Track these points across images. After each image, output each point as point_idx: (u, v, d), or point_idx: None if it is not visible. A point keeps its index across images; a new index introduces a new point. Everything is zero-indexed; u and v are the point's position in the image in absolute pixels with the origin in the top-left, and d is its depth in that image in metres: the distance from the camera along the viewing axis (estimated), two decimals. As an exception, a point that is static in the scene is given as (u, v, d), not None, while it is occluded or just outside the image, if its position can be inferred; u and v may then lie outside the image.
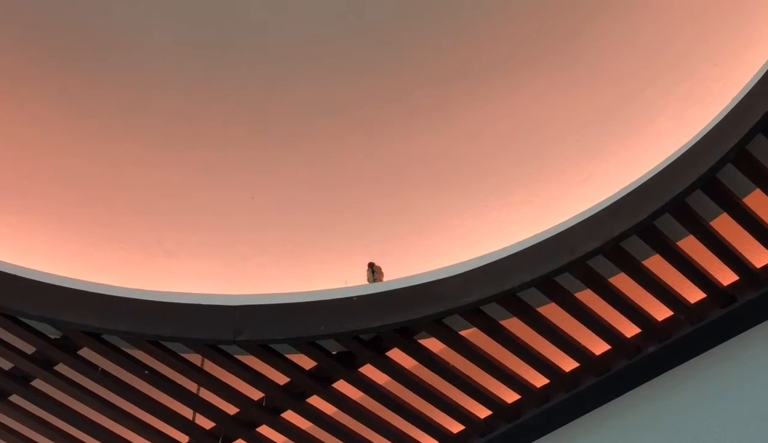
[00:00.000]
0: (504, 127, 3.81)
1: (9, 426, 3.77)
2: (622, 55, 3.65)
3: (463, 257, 3.46)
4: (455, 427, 3.77)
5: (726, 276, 3.42)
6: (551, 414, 3.68)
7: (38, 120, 3.82)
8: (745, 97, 3.13)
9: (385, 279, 3.61)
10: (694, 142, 3.19)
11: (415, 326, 3.44)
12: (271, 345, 3.46)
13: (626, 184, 3.29)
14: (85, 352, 3.50)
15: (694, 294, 3.44)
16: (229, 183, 3.94)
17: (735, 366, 3.46)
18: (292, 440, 3.76)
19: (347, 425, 3.72)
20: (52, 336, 3.46)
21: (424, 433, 3.77)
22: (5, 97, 3.76)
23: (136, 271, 3.81)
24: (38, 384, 3.61)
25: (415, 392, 3.63)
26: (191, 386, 3.64)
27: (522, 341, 3.51)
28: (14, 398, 3.68)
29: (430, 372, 3.57)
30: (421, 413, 3.70)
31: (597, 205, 3.31)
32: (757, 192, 3.23)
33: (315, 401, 3.65)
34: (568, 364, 3.60)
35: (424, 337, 3.50)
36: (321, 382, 3.59)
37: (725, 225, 3.29)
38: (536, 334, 3.50)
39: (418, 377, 3.59)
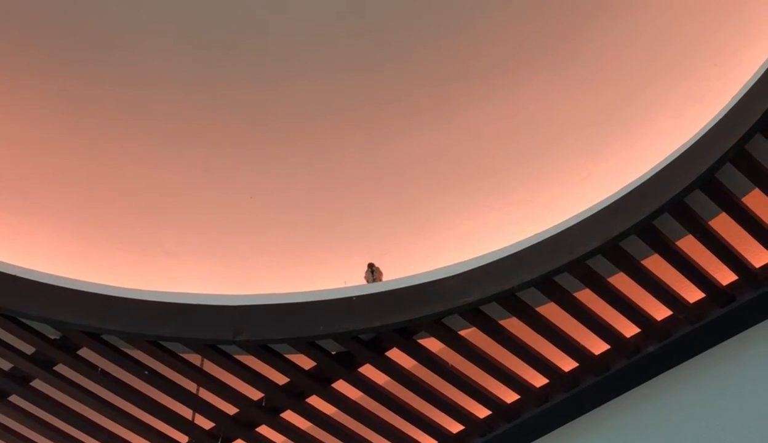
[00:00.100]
0: (504, 127, 3.81)
1: (8, 426, 3.78)
2: (621, 55, 3.65)
3: (462, 257, 3.46)
4: (455, 427, 3.77)
5: (725, 276, 3.42)
6: (551, 414, 3.68)
7: (38, 120, 3.82)
8: (744, 96, 3.12)
9: (384, 279, 3.61)
10: (693, 142, 3.19)
11: (414, 326, 3.44)
12: (270, 345, 3.46)
13: (625, 184, 3.29)
14: (85, 352, 3.50)
15: (693, 294, 3.44)
16: (229, 183, 3.94)
17: (734, 366, 3.46)
18: (292, 440, 3.76)
19: (347, 425, 3.73)
20: (52, 337, 3.46)
21: (423, 433, 3.77)
22: (5, 97, 3.76)
23: (135, 271, 3.81)
24: (38, 384, 3.62)
25: (414, 392, 3.63)
26: (191, 386, 3.64)
27: (521, 341, 3.51)
28: (14, 398, 3.68)
29: (430, 372, 3.57)
30: (421, 413, 3.70)
31: (596, 204, 3.31)
32: (756, 191, 3.23)
33: (314, 401, 3.65)
34: (567, 364, 3.60)
35: (423, 337, 3.50)
36: (320, 382, 3.59)
37: (724, 225, 3.29)
38: (536, 334, 3.50)
39: (417, 377, 3.59)
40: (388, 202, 3.90)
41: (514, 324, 3.47)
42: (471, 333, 3.50)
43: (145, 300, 3.44)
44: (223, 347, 3.46)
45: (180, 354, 3.50)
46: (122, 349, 3.49)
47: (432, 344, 3.52)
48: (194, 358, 3.55)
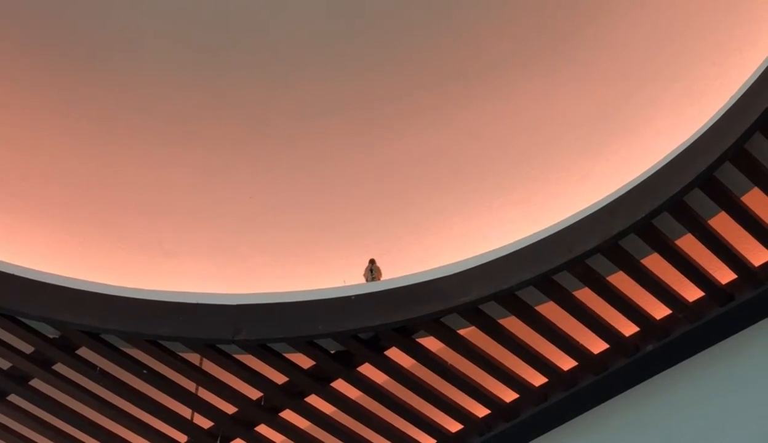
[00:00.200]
0: (503, 127, 3.82)
1: (8, 425, 3.78)
2: (620, 54, 3.65)
3: (461, 256, 3.46)
4: (454, 426, 3.77)
5: (724, 275, 3.41)
6: (550, 413, 3.68)
7: (38, 121, 3.82)
8: (743, 95, 3.12)
9: (383, 278, 3.61)
10: (692, 141, 3.19)
11: (413, 325, 3.43)
12: (269, 345, 3.46)
13: (625, 183, 3.29)
14: (84, 352, 3.51)
15: (692, 293, 3.44)
16: (229, 183, 3.94)
17: (733, 365, 3.45)
18: (291, 439, 3.76)
19: (346, 424, 3.72)
20: (51, 336, 3.46)
21: (422, 432, 3.76)
22: (5, 97, 3.77)
23: (135, 271, 3.82)
24: (37, 383, 3.62)
25: (413, 391, 3.63)
26: (190, 385, 3.64)
27: (520, 340, 3.51)
28: (13, 397, 3.68)
29: (429, 372, 3.57)
30: (420, 412, 3.69)
31: (595, 203, 3.31)
32: (756, 190, 3.23)
33: (313, 400, 3.65)
34: (566, 363, 3.60)
35: (422, 336, 3.50)
36: (319, 381, 3.59)
37: (724, 224, 3.29)
38: (535, 333, 3.49)
39: (416, 376, 3.59)
40: (387, 202, 3.91)
41: (513, 324, 3.47)
42: (470, 333, 3.50)
43: (144, 299, 3.44)
44: (222, 346, 3.46)
45: (179, 353, 3.50)
46: (121, 349, 3.49)
47: (431, 343, 3.52)
48: (193, 358, 3.55)
